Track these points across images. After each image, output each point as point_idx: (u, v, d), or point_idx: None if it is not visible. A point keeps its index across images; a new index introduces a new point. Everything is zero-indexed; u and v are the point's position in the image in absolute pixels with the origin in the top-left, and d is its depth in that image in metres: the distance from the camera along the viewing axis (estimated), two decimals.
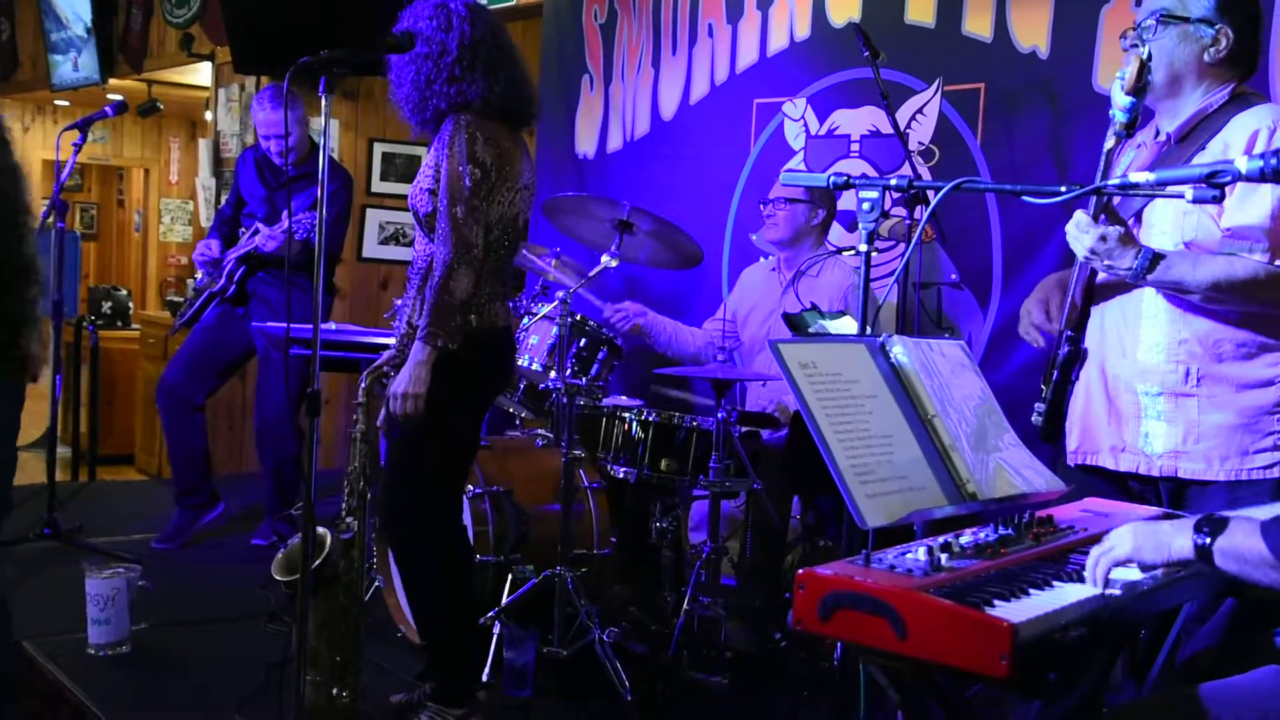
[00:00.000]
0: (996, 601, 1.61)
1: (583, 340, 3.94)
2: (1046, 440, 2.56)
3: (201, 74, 7.38)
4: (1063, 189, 2.04)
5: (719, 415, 3.49)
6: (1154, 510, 2.32)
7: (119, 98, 5.30)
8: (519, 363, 3.84)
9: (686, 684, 3.41)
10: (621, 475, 3.73)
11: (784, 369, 1.84)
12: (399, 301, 3.38)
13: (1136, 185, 1.99)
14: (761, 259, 4.30)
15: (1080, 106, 3.64)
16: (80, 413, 7.12)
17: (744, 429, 3.89)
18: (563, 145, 5.33)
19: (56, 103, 10.25)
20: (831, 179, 2.28)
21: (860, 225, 2.24)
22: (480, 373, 3.02)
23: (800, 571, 1.69)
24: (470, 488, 3.54)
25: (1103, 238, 2.33)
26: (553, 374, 3.77)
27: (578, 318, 3.93)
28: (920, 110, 4.06)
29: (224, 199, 5.70)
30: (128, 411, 7.41)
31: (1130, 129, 2.41)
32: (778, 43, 4.54)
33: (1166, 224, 2.40)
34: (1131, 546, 1.77)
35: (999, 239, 3.90)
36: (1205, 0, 2.39)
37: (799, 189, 3.96)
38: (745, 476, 3.57)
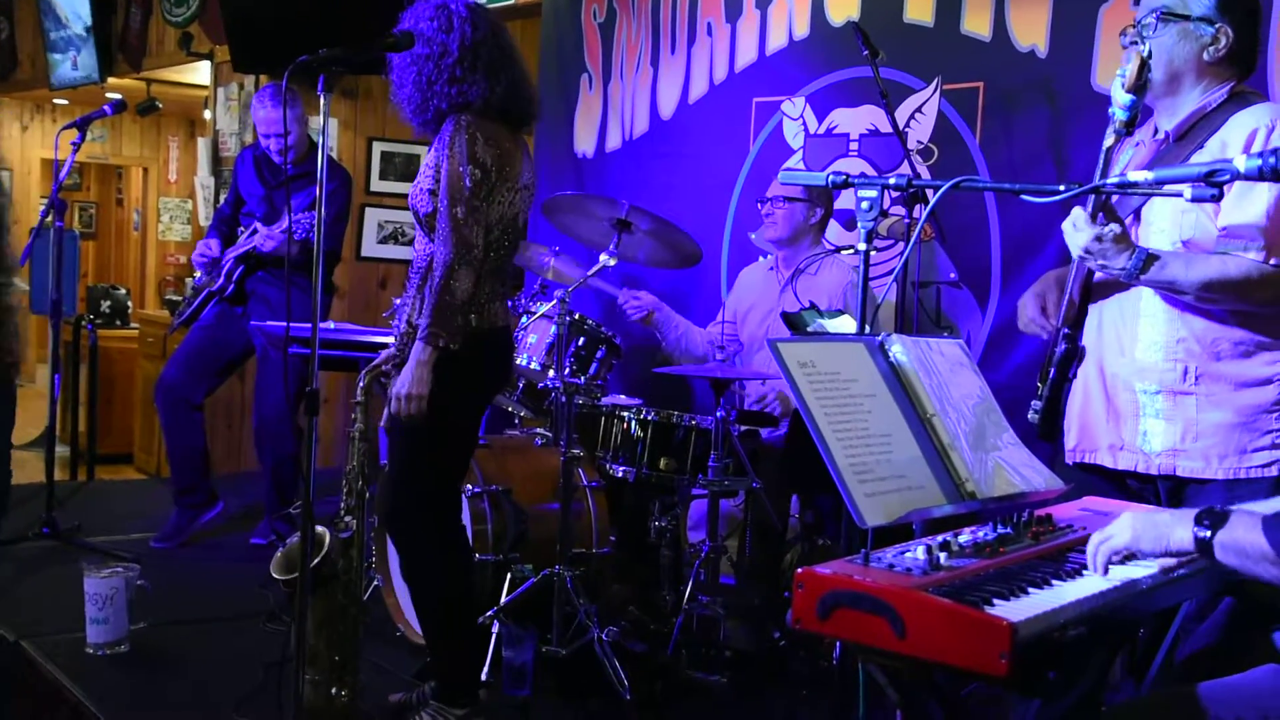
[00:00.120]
0: (995, 600, 1.61)
1: (581, 339, 3.94)
2: (1044, 438, 2.56)
3: (200, 73, 7.38)
4: (1061, 188, 2.04)
5: (718, 414, 3.49)
6: (1153, 509, 2.32)
7: (118, 97, 5.28)
8: (518, 361, 3.84)
9: (685, 683, 3.41)
10: (620, 474, 3.73)
11: (783, 368, 1.84)
12: (398, 300, 3.38)
13: (1135, 184, 1.99)
14: (760, 258, 4.29)
15: (1079, 105, 3.64)
16: (79, 412, 7.11)
17: (743, 428, 3.89)
18: (561, 144, 5.33)
19: (55, 101, 10.25)
20: (830, 178, 2.28)
21: (859, 224, 2.23)
22: (480, 372, 3.02)
23: (799, 570, 1.69)
24: (469, 486, 3.54)
25: (1098, 238, 2.33)
26: (551, 373, 3.77)
27: (576, 316, 3.92)
28: (919, 109, 4.06)
29: (223, 198, 5.70)
30: (126, 411, 7.41)
31: (1130, 127, 2.41)
32: (776, 42, 4.54)
33: (1165, 222, 2.40)
34: (1131, 536, 1.77)
35: (998, 238, 3.90)
36: None
37: (798, 188, 3.96)
38: (744, 475, 3.57)
